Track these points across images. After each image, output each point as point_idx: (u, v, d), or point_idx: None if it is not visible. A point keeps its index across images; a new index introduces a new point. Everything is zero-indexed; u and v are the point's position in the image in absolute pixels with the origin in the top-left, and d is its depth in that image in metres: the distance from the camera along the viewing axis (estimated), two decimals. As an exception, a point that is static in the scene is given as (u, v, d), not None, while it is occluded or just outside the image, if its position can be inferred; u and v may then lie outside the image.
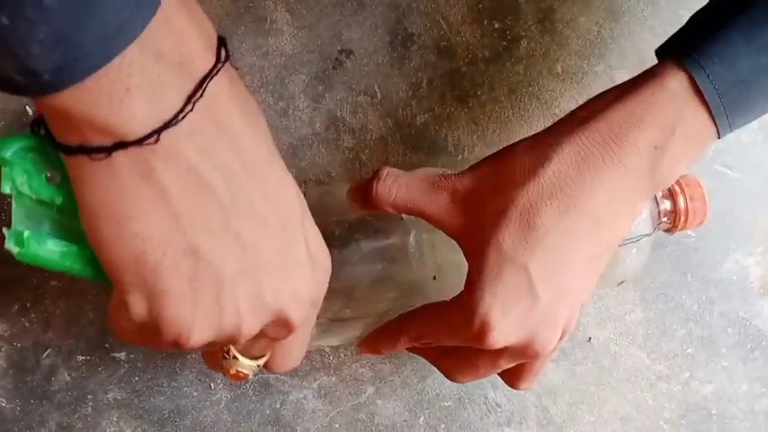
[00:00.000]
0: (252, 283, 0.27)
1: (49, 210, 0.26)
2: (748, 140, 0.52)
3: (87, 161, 0.23)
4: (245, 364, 0.31)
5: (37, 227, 0.25)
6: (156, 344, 0.27)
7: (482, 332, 0.33)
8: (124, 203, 0.24)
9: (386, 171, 0.37)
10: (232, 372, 0.31)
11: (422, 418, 0.48)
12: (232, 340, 0.28)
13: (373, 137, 0.49)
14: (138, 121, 0.23)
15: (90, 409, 0.46)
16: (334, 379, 0.47)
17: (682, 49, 0.34)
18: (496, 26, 0.50)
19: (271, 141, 0.28)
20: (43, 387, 0.46)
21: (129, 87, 0.22)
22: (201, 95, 0.24)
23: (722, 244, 0.51)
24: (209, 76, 0.24)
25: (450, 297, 0.36)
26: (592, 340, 0.50)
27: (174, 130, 0.23)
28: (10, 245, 0.24)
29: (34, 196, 0.25)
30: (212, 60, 0.24)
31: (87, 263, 0.26)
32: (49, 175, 0.25)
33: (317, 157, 0.48)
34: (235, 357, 0.31)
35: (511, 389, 0.49)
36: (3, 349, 0.46)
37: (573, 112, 0.36)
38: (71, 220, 0.25)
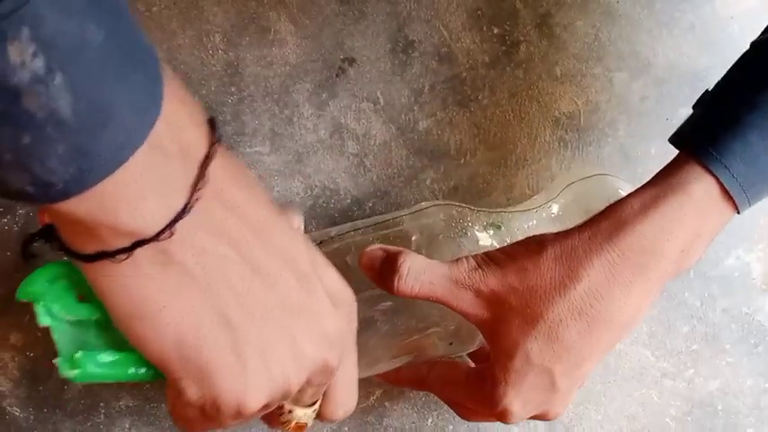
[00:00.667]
0: (288, 338, 0.28)
1: (88, 328, 0.27)
2: (746, 139, 0.53)
3: (109, 265, 0.24)
4: (302, 415, 0.31)
5: (83, 347, 0.26)
6: (220, 423, 0.28)
7: (502, 416, 0.37)
8: (150, 297, 0.25)
9: (406, 267, 0.36)
10: (293, 426, 0.32)
11: (430, 420, 0.48)
12: (285, 396, 0.28)
13: (377, 142, 0.50)
14: (154, 218, 0.24)
15: (102, 416, 0.47)
16: (343, 382, 0.48)
17: (701, 149, 0.35)
18: (495, 31, 0.51)
19: (270, 204, 0.29)
20: (56, 396, 0.47)
21: (143, 188, 0.23)
22: (205, 183, 0.25)
23: (723, 241, 0.52)
24: (207, 160, 0.25)
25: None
26: (597, 339, 0.51)
27: (185, 218, 0.24)
28: (65, 371, 0.26)
29: (72, 319, 0.26)
30: (207, 145, 0.25)
31: (140, 364, 0.27)
32: (80, 295, 0.26)
33: (321, 164, 0.49)
34: (290, 411, 0.31)
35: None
36: (16, 359, 0.47)
37: (598, 221, 0.36)
38: (112, 330, 0.26)
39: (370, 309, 0.40)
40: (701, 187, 0.34)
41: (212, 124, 0.26)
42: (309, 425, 0.32)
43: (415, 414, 0.48)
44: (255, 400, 0.27)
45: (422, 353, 0.42)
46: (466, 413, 0.42)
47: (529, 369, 0.35)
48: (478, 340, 0.42)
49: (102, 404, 0.47)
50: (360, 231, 0.42)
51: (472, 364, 0.44)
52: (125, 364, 0.27)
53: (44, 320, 0.26)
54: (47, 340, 0.46)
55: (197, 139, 0.25)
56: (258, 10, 0.49)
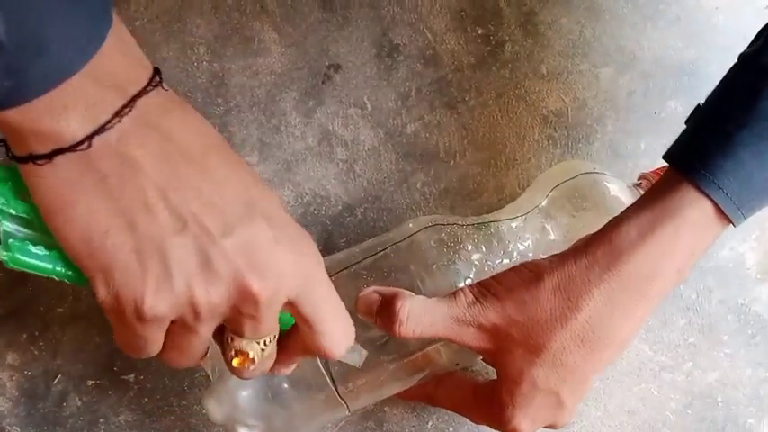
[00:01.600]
0: (196, 250, 0.29)
1: (30, 227, 0.30)
2: (735, 129, 0.53)
3: (35, 167, 0.27)
4: (244, 345, 0.31)
5: (21, 239, 0.30)
6: (127, 328, 0.30)
7: None
8: (65, 195, 0.28)
9: (405, 312, 0.36)
10: (232, 354, 0.32)
11: (430, 423, 0.48)
12: (193, 310, 0.29)
13: (366, 148, 0.50)
14: (74, 131, 0.27)
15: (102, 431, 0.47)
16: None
17: (695, 171, 0.35)
18: (480, 32, 0.51)
19: (214, 141, 0.31)
20: (55, 413, 0.47)
21: (67, 105, 0.27)
22: (130, 110, 0.28)
23: (716, 232, 0.52)
24: (139, 93, 0.28)
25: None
26: (593, 335, 0.50)
27: (106, 134, 0.27)
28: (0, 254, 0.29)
29: (14, 213, 0.30)
30: (143, 84, 0.29)
31: (66, 264, 0.30)
32: (24, 195, 0.30)
33: (311, 171, 0.49)
34: (231, 339, 0.31)
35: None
36: (14, 378, 0.47)
37: (594, 248, 0.36)
38: (48, 230, 0.29)
39: (377, 335, 0.40)
40: (696, 210, 0.35)
41: (157, 72, 0.29)
42: (257, 360, 0.32)
43: (414, 418, 0.48)
44: (151, 302, 0.28)
45: (433, 367, 0.42)
46: (476, 422, 0.42)
47: (536, 393, 0.37)
48: None
49: (101, 420, 0.47)
50: (353, 269, 0.41)
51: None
52: (52, 261, 0.30)
53: None
54: (44, 358, 0.47)
55: (135, 78, 0.28)
56: (241, 20, 0.49)
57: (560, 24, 0.51)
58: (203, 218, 0.29)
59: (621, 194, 0.43)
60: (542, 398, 0.37)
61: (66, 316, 0.47)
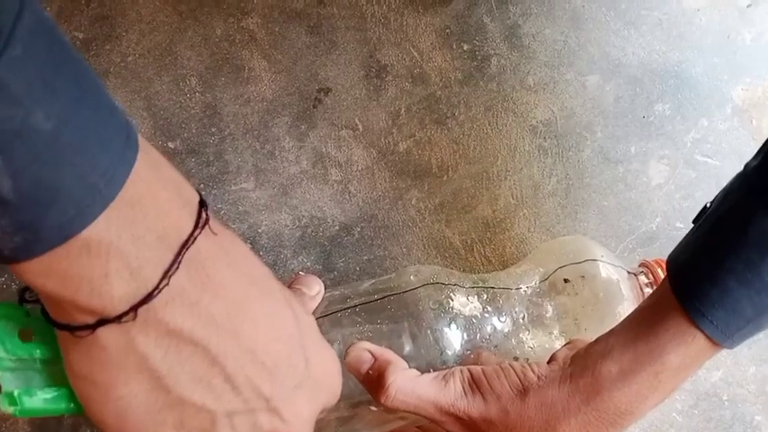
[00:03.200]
0: (247, 420, 0.29)
1: (32, 364, 0.27)
2: (724, 128, 0.53)
3: (73, 336, 0.25)
4: None
5: (26, 383, 0.27)
6: None
7: None
8: (108, 372, 0.25)
9: (394, 389, 0.37)
10: None
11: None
12: None
13: (359, 168, 0.50)
14: (117, 300, 0.24)
15: (114, 463, 0.47)
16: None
17: (685, 296, 0.35)
18: (465, 48, 0.52)
19: (263, 278, 0.29)
20: (67, 447, 0.47)
21: (108, 272, 0.23)
22: (178, 267, 0.25)
23: (712, 232, 0.52)
24: (185, 245, 0.25)
25: None
26: (596, 341, 0.51)
27: (152, 302, 0.24)
28: (5, 406, 0.26)
29: (13, 357, 0.26)
30: (191, 227, 0.25)
31: (77, 402, 0.27)
32: (23, 330, 0.27)
33: (306, 194, 0.50)
34: None
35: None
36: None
37: (577, 378, 0.37)
38: (55, 365, 0.27)
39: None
40: (680, 350, 0.35)
41: (203, 205, 0.26)
42: None
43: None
44: None
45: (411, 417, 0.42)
46: None
47: None
48: None
49: (113, 451, 0.47)
50: (348, 312, 0.41)
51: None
52: (64, 400, 0.27)
53: None
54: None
55: (179, 222, 0.25)
56: (231, 50, 0.50)
57: (544, 35, 0.52)
58: (255, 385, 0.28)
59: (623, 285, 0.43)
60: None
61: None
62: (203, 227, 0.26)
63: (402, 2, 0.52)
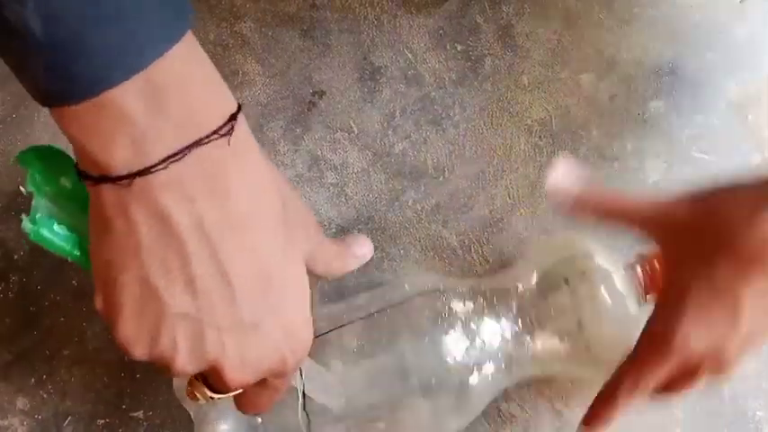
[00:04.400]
0: (193, 328, 0.29)
1: (65, 206, 0.31)
2: (720, 124, 0.53)
3: (88, 183, 0.27)
4: (202, 391, 0.32)
5: (51, 215, 0.31)
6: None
7: (681, 348, 0.36)
8: (104, 223, 0.28)
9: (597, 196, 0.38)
10: (188, 390, 0.33)
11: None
12: (167, 367, 0.30)
13: (355, 170, 0.50)
14: (116, 162, 0.26)
15: (115, 470, 0.47)
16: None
17: None
18: (459, 48, 0.52)
19: (266, 210, 0.29)
20: (68, 455, 0.47)
21: (115, 135, 0.25)
22: (180, 159, 0.26)
23: (710, 228, 0.52)
24: (197, 143, 0.26)
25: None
26: (595, 339, 0.51)
27: (149, 177, 0.26)
28: (25, 224, 0.30)
29: (48, 191, 0.31)
30: (211, 130, 0.26)
31: (83, 252, 0.31)
32: (62, 180, 0.31)
33: (303, 197, 0.50)
34: (197, 379, 0.32)
35: (521, 398, 0.50)
36: (25, 423, 0.47)
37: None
38: (79, 220, 0.30)
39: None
40: None
41: (232, 117, 0.27)
42: (200, 402, 0.33)
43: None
44: (138, 351, 0.29)
45: None
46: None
47: (713, 292, 0.35)
48: None
49: (114, 458, 0.47)
50: (343, 330, 0.41)
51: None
52: (70, 243, 0.31)
53: (29, 186, 0.31)
54: (53, 401, 0.47)
55: (197, 119, 0.26)
56: (224, 54, 0.50)
57: (538, 35, 0.52)
58: (215, 302, 0.28)
59: (620, 279, 0.43)
60: (719, 299, 0.35)
61: (72, 358, 0.48)
62: (223, 136, 0.27)
63: (395, 4, 0.52)
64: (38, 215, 0.30)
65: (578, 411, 0.50)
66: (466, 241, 0.50)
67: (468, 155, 0.51)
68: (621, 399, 0.40)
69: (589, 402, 0.50)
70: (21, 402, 0.47)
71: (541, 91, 0.52)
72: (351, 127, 0.51)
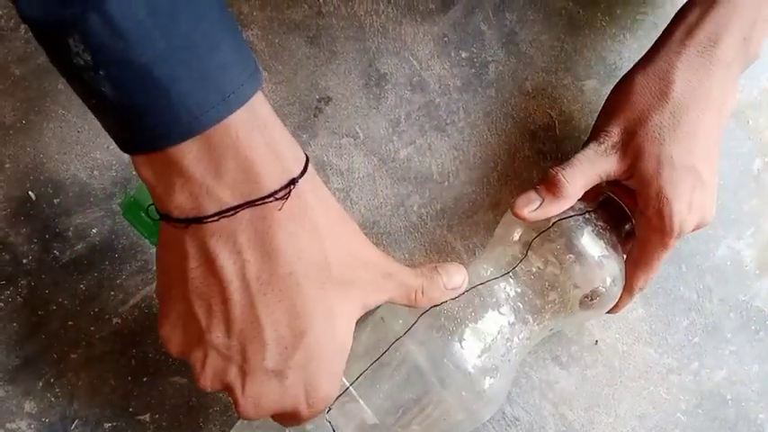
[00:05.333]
0: (220, 361, 0.32)
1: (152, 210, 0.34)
2: (721, 130, 0.54)
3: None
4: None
5: (147, 202, 0.37)
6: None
7: (679, 231, 0.43)
8: (166, 243, 0.32)
9: (558, 177, 0.43)
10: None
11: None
12: (192, 374, 0.34)
13: (361, 175, 0.51)
14: (173, 208, 0.29)
15: (122, 473, 0.48)
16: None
17: None
18: (463, 55, 0.52)
19: (314, 270, 0.31)
20: (75, 458, 0.47)
21: (174, 185, 0.29)
22: (234, 215, 0.29)
23: (712, 232, 0.53)
24: (250, 203, 0.29)
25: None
26: (599, 343, 0.51)
27: (203, 225, 0.29)
28: (125, 199, 0.38)
29: (144, 211, 0.39)
30: (266, 192, 0.29)
31: (155, 241, 0.34)
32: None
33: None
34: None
35: (525, 401, 0.50)
36: (32, 426, 0.48)
37: (667, 37, 0.44)
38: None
39: None
40: None
41: (292, 181, 0.30)
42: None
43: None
44: (169, 350, 0.33)
45: None
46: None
47: (676, 172, 0.42)
48: None
49: (120, 462, 0.48)
50: (363, 378, 0.41)
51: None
52: (150, 232, 0.39)
53: (136, 194, 0.40)
54: (60, 404, 0.48)
55: (254, 179, 0.29)
56: (232, 61, 0.51)
57: (541, 41, 0.53)
58: (245, 346, 0.31)
59: (592, 230, 0.43)
60: (684, 176, 0.42)
61: (79, 361, 0.48)
62: (278, 199, 0.29)
63: (400, 11, 0.52)
64: (134, 198, 0.37)
65: (582, 414, 0.50)
66: (470, 245, 0.51)
67: (472, 160, 0.52)
68: (637, 291, 0.46)
69: (593, 414, 0.50)
70: (28, 406, 0.48)
71: (545, 97, 0.52)
72: (356, 133, 0.51)
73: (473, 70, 0.52)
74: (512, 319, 0.42)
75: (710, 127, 0.43)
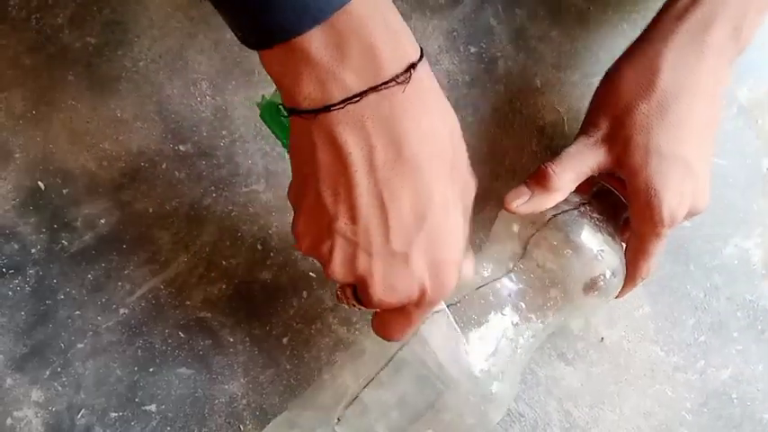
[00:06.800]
0: (348, 247, 0.33)
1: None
2: (730, 127, 0.54)
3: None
4: (349, 297, 0.36)
5: (280, 109, 0.37)
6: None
7: (670, 221, 0.42)
8: (296, 139, 0.33)
9: (547, 170, 0.43)
10: (338, 292, 0.38)
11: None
12: (323, 267, 0.35)
13: (368, 169, 0.51)
14: (302, 99, 0.30)
15: (127, 463, 0.48)
16: (358, 407, 0.49)
17: None
18: (473, 50, 0.52)
19: (438, 165, 0.33)
20: (81, 447, 0.48)
21: (302, 75, 0.30)
22: (360, 100, 0.30)
23: (719, 230, 0.53)
24: (373, 88, 0.30)
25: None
26: (604, 340, 0.51)
27: (330, 114, 0.30)
28: (263, 101, 0.38)
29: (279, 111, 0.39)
30: (388, 77, 0.30)
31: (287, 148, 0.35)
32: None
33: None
34: (348, 286, 0.36)
35: (530, 398, 0.50)
36: (39, 415, 0.48)
37: (655, 26, 0.44)
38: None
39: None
40: None
41: (412, 66, 0.31)
42: (348, 306, 0.37)
43: None
44: (301, 245, 0.35)
45: None
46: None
47: (664, 161, 0.41)
48: None
49: (126, 451, 0.48)
50: (373, 383, 0.41)
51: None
52: (285, 134, 0.38)
53: (275, 97, 0.39)
54: (67, 393, 0.48)
55: (376, 65, 0.30)
56: (241, 54, 0.51)
57: (551, 37, 0.53)
58: (371, 231, 0.32)
59: (588, 223, 0.43)
60: (673, 165, 0.41)
61: (86, 351, 0.48)
62: (400, 83, 0.30)
63: (409, 6, 0.52)
64: (272, 101, 0.37)
65: (587, 411, 0.50)
66: (477, 241, 0.51)
67: (480, 155, 0.52)
68: (639, 279, 0.45)
69: (598, 411, 0.50)
70: (35, 395, 0.48)
71: (554, 93, 0.52)
72: (364, 127, 0.51)
73: (482, 65, 0.52)
74: (515, 319, 0.42)
75: (702, 115, 0.42)
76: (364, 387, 0.40)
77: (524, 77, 0.52)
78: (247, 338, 0.49)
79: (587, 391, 0.51)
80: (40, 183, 0.49)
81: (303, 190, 0.33)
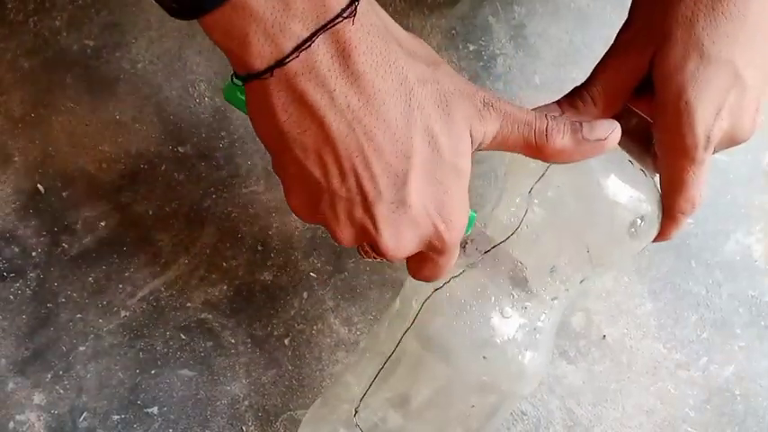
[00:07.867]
0: (344, 204, 0.31)
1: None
2: (731, 124, 0.53)
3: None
4: (369, 252, 0.35)
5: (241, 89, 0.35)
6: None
7: (705, 145, 0.35)
8: (255, 112, 0.31)
9: (581, 92, 0.39)
10: (359, 249, 0.35)
11: None
12: (331, 235, 0.33)
13: (368, 169, 0.51)
14: (254, 59, 0.29)
15: (130, 465, 0.48)
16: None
17: None
18: (471, 48, 0.52)
19: (398, 78, 0.30)
20: (83, 450, 0.48)
21: (249, 34, 0.28)
22: (309, 45, 0.28)
23: (721, 227, 0.52)
24: (323, 28, 0.28)
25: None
26: (606, 337, 0.51)
27: (285, 68, 0.29)
28: (226, 85, 0.35)
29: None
30: (336, 12, 0.28)
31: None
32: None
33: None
34: (366, 246, 0.35)
35: (533, 396, 0.50)
36: (41, 418, 0.48)
37: None
38: None
39: None
40: None
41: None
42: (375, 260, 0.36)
43: (435, 431, 0.49)
44: (302, 218, 0.34)
45: None
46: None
47: (708, 67, 0.34)
48: None
49: (128, 454, 0.48)
50: (381, 377, 0.40)
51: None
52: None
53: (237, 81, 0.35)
54: (69, 396, 0.48)
55: (321, 4, 0.28)
56: (239, 55, 0.51)
57: (549, 35, 0.53)
58: (360, 181, 0.31)
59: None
60: (717, 71, 0.33)
61: (88, 354, 0.48)
62: (346, 18, 0.28)
63: (408, 4, 0.52)
64: (236, 83, 0.34)
65: (589, 409, 0.50)
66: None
67: (479, 153, 0.51)
68: (680, 216, 0.39)
69: (601, 409, 0.50)
70: (37, 398, 0.48)
71: (553, 91, 0.52)
72: (364, 126, 0.51)
73: (481, 63, 0.52)
74: (539, 280, 0.39)
75: (761, 15, 0.34)
76: (382, 366, 0.39)
77: (524, 75, 0.52)
78: (249, 339, 0.49)
79: (590, 389, 0.50)
80: (39, 186, 0.49)
81: (282, 162, 0.32)
